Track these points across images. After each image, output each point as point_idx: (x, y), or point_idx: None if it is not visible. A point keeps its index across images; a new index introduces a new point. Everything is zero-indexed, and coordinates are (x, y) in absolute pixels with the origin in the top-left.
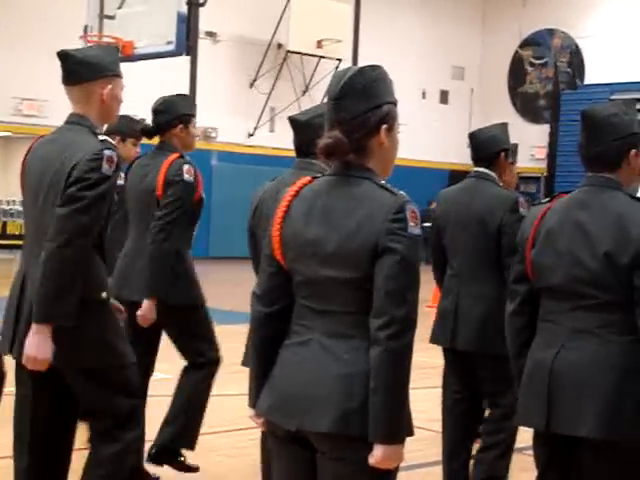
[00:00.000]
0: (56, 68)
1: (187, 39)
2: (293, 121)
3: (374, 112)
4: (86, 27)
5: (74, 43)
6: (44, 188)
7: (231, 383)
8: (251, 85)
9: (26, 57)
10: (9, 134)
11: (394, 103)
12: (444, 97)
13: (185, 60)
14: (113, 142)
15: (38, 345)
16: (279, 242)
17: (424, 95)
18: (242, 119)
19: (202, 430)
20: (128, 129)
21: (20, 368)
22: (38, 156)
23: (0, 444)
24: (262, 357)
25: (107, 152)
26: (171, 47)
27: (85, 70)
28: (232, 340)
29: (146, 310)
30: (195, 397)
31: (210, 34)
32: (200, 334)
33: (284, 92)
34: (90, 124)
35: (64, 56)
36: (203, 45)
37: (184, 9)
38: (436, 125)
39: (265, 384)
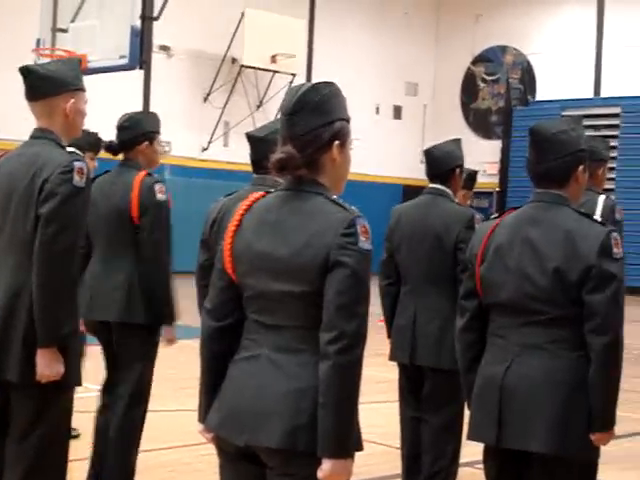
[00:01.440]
0: (11, 82)
1: (141, 53)
2: (250, 137)
3: (327, 128)
4: (39, 40)
5: (27, 56)
6: (14, 202)
7: (182, 398)
8: (205, 99)
9: None
10: None
11: (347, 120)
12: (397, 112)
13: (139, 74)
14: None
15: (50, 365)
16: (230, 256)
17: (377, 110)
18: (196, 133)
19: (152, 446)
20: (85, 143)
21: None
22: (5, 172)
23: None
24: (212, 372)
25: (77, 164)
26: (124, 61)
27: (48, 85)
28: (184, 355)
29: (171, 334)
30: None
31: (164, 48)
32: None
33: (238, 106)
34: (55, 137)
35: (26, 71)
36: (157, 59)
37: (137, 23)
38: (389, 140)
39: (214, 399)
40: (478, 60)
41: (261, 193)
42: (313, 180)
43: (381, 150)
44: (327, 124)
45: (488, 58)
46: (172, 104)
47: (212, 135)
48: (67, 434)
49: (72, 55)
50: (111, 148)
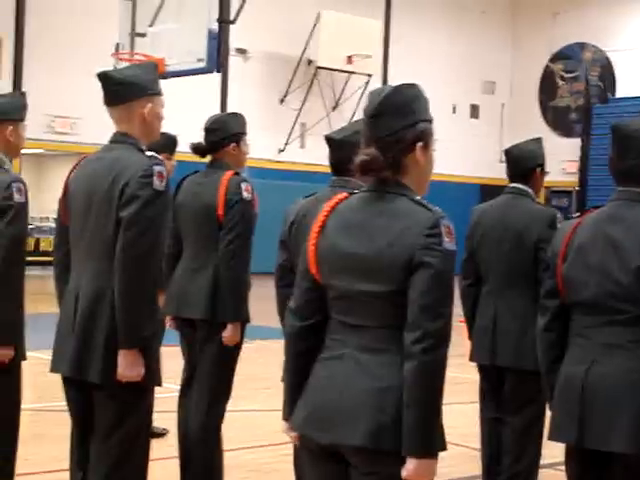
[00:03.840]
0: (89, 86)
1: (218, 56)
2: (329, 139)
3: (410, 129)
4: (118, 45)
5: (106, 61)
6: (94, 206)
7: (261, 399)
8: (281, 101)
9: (59, 74)
10: (42, 151)
11: (430, 121)
12: (475, 112)
13: (216, 77)
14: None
15: (131, 366)
16: (314, 257)
17: (454, 110)
18: (273, 135)
19: (231, 446)
20: (159, 144)
21: (69, 386)
22: (85, 174)
23: (36, 459)
24: (296, 371)
25: (157, 167)
26: (202, 64)
27: (126, 90)
28: (262, 355)
29: (234, 332)
30: None
31: (241, 51)
32: None
33: (314, 108)
34: (134, 141)
35: (104, 77)
36: (234, 62)
37: (215, 26)
38: (467, 140)
39: (299, 397)
40: (556, 58)
41: (344, 194)
42: (397, 181)
43: (458, 150)
44: (410, 125)
45: (567, 55)
46: (249, 106)
47: (289, 137)
48: (148, 433)
49: (150, 59)
50: (199, 150)
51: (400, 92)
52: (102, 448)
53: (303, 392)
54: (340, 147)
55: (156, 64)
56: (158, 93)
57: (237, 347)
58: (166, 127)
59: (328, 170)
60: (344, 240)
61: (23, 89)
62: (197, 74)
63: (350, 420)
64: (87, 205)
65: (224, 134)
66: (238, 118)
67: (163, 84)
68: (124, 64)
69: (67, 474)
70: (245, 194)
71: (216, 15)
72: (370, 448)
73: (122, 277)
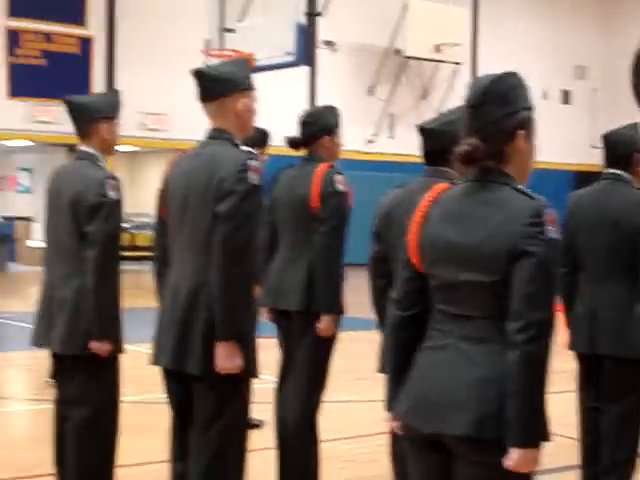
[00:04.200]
0: (179, 82)
1: (306, 49)
2: (422, 129)
3: (511, 118)
4: (207, 41)
5: (196, 57)
6: (192, 201)
7: (357, 389)
8: (370, 92)
9: (150, 72)
10: (135, 148)
11: (531, 108)
12: (566, 97)
13: (304, 70)
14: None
15: (229, 358)
16: (417, 247)
17: (545, 95)
18: (361, 126)
19: (328, 437)
20: (252, 139)
21: (169, 378)
22: (183, 171)
23: (136, 451)
24: (398, 360)
25: (252, 162)
26: (291, 58)
27: (220, 86)
28: (355, 346)
29: (329, 323)
30: None
31: (328, 43)
32: None
33: (403, 98)
34: (230, 136)
35: (199, 74)
36: (322, 54)
37: (302, 19)
38: (558, 126)
39: (401, 387)
40: None
41: (445, 184)
42: (499, 170)
43: (550, 136)
44: (512, 114)
45: None
46: (337, 98)
47: (377, 128)
48: (246, 425)
49: (240, 54)
50: (294, 143)
51: (501, 81)
52: (202, 439)
53: (407, 381)
54: (433, 136)
55: (248, 59)
56: (251, 88)
57: (332, 338)
58: (258, 121)
59: (417, 160)
60: (447, 230)
61: (115, 87)
62: (286, 68)
63: (453, 410)
64: (185, 201)
65: (318, 127)
66: (332, 111)
67: (253, 79)
68: (214, 60)
69: (166, 465)
70: (339, 186)
71: (304, 8)
72: (473, 437)
73: (219, 271)
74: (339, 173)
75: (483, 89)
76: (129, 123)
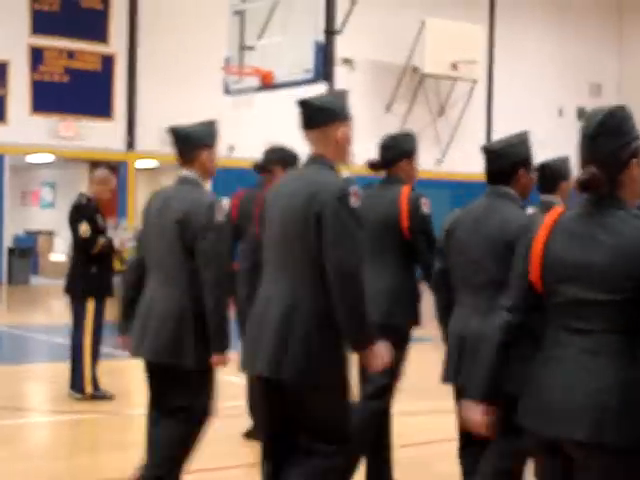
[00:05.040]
0: (200, 99)
1: (324, 67)
2: (487, 150)
3: (626, 148)
4: (227, 58)
5: (216, 75)
6: (290, 222)
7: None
8: (387, 109)
9: (171, 89)
10: (157, 164)
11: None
12: (582, 114)
13: (323, 87)
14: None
15: (376, 359)
16: (540, 265)
17: (561, 113)
18: (379, 143)
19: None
20: (288, 157)
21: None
22: (286, 192)
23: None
24: (499, 361)
25: (352, 187)
26: (309, 75)
27: (323, 115)
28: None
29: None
30: None
31: (346, 60)
32: None
33: (420, 115)
34: (329, 163)
35: (304, 104)
36: (340, 72)
37: (321, 37)
38: (574, 143)
39: (497, 386)
40: None
41: (562, 209)
42: (614, 196)
43: (566, 153)
44: (625, 145)
45: None
46: (355, 115)
47: None
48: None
49: (259, 72)
50: (375, 165)
51: (614, 115)
52: (311, 444)
53: (526, 388)
54: (497, 158)
55: (347, 91)
56: (350, 118)
57: (405, 348)
58: (277, 138)
59: (432, 177)
60: (571, 251)
61: (137, 104)
62: (304, 85)
63: (574, 417)
64: (283, 221)
65: (397, 151)
66: (410, 136)
67: (271, 96)
68: (234, 77)
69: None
70: (424, 209)
71: (322, 26)
72: (593, 442)
73: (341, 293)
74: (422, 196)
75: (599, 122)
76: (150, 139)
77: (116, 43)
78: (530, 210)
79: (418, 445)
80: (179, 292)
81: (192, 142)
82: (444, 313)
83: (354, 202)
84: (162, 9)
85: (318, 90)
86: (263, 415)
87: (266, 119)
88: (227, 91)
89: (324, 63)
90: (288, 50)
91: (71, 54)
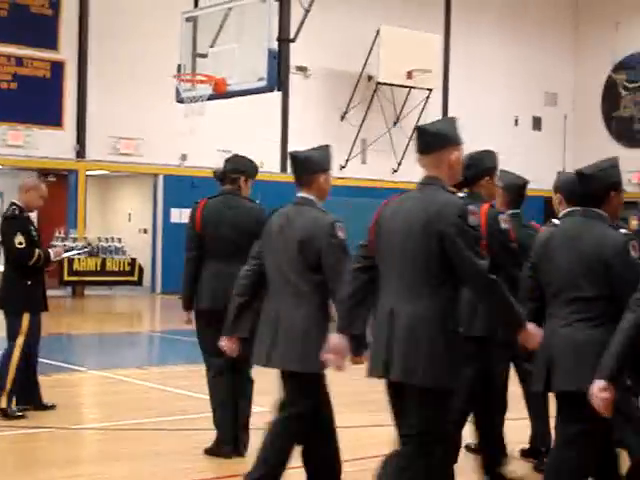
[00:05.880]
0: (151, 107)
1: (278, 75)
2: (580, 174)
3: None
4: (180, 66)
5: (168, 82)
6: (410, 238)
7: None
8: (342, 118)
9: (123, 97)
10: (107, 173)
11: None
12: (537, 124)
13: (277, 95)
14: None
15: (535, 334)
16: None
17: (517, 122)
18: (334, 152)
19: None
20: (252, 169)
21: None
22: (404, 210)
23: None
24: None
25: (470, 207)
26: (263, 83)
27: (437, 140)
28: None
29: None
30: None
31: (301, 69)
32: None
33: (375, 124)
34: (443, 184)
35: (422, 130)
36: (294, 80)
37: (275, 45)
38: (529, 152)
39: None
40: (619, 67)
41: None
42: None
43: (521, 162)
44: None
45: (629, 65)
46: (310, 123)
47: (350, 153)
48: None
49: (212, 79)
50: (458, 185)
51: None
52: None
53: None
54: (590, 181)
55: (457, 118)
56: (462, 142)
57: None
58: (230, 145)
59: (389, 185)
60: None
61: (87, 112)
62: (258, 93)
63: None
64: (403, 236)
65: (478, 169)
66: (490, 154)
67: (224, 104)
68: (186, 85)
69: None
70: (503, 225)
71: (276, 34)
72: None
73: (489, 296)
74: (501, 213)
75: None
76: (100, 147)
77: (66, 49)
78: (623, 230)
79: None
80: (305, 303)
81: (311, 167)
82: (535, 319)
83: (472, 220)
84: (113, 15)
85: (272, 98)
86: (396, 415)
87: (219, 127)
88: (179, 99)
89: (278, 71)
90: (241, 58)
91: (20, 60)
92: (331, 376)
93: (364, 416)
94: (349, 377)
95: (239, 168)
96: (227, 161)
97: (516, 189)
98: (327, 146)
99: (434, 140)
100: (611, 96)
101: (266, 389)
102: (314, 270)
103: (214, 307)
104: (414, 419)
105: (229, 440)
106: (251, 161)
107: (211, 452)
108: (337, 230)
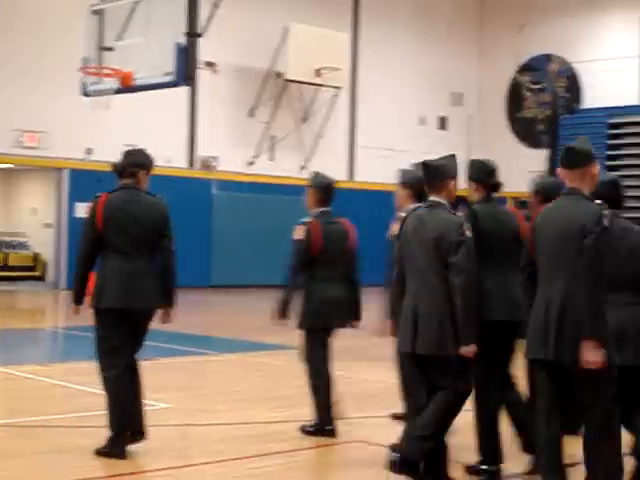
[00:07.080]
0: (56, 100)
1: (186, 70)
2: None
3: None
4: (85, 59)
5: (73, 75)
6: (567, 238)
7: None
8: (250, 114)
9: (27, 89)
10: (10, 166)
11: None
12: (443, 123)
13: (185, 90)
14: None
15: (592, 353)
16: None
17: (423, 121)
18: (242, 148)
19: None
20: (150, 162)
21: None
22: (558, 216)
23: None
24: None
25: (605, 212)
26: (170, 78)
27: (582, 157)
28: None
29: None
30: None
31: (209, 64)
32: None
33: (283, 121)
34: (585, 194)
35: (570, 150)
36: (202, 75)
37: (182, 40)
38: (435, 151)
39: None
40: (523, 69)
41: None
42: None
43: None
44: None
45: (533, 67)
46: (218, 119)
47: (258, 150)
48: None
49: (118, 73)
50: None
51: None
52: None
53: None
54: (610, 188)
55: (587, 138)
56: (597, 159)
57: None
58: (137, 140)
59: (296, 182)
60: None
61: None
62: (165, 88)
63: None
64: (559, 238)
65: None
66: (588, 142)
67: (131, 98)
68: (92, 79)
69: None
70: (605, 222)
71: (184, 28)
72: None
73: (586, 287)
74: (604, 208)
75: None
76: (4, 140)
77: None
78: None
79: None
80: (440, 296)
81: (442, 174)
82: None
83: (606, 223)
84: (18, 8)
85: (180, 93)
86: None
87: (126, 122)
88: (85, 93)
89: (185, 66)
90: (149, 52)
91: None
92: None
93: None
94: None
95: (138, 161)
96: (126, 154)
97: None
98: (453, 155)
99: (580, 157)
100: (515, 97)
101: (158, 386)
102: (446, 266)
103: (124, 306)
104: (594, 405)
105: (125, 439)
106: (148, 154)
107: (103, 452)
108: (464, 230)
